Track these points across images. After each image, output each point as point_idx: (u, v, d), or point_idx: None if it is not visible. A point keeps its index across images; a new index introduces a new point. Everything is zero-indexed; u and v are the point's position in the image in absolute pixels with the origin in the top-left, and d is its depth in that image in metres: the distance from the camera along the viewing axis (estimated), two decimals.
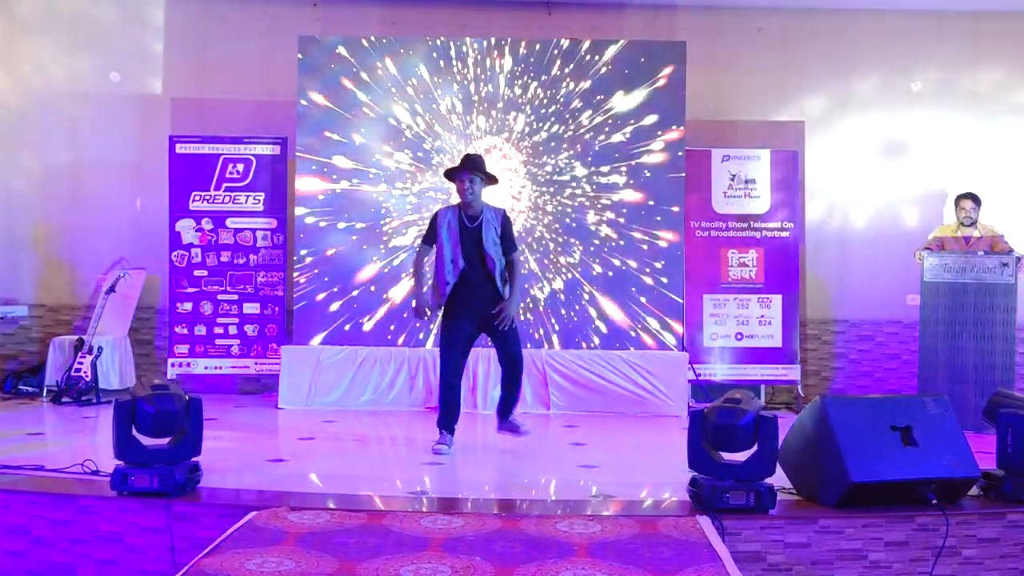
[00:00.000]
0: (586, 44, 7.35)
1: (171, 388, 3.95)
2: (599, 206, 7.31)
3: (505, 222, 5.30)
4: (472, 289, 5.20)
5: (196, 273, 7.50)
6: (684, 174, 7.30)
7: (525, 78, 7.32)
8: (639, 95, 7.29)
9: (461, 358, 5.29)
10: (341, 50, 7.30)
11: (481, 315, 5.21)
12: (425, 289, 5.49)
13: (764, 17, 8.01)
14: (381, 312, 7.23)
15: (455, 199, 5.44)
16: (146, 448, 3.86)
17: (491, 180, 5.35)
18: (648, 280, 7.26)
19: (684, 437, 3.92)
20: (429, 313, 5.34)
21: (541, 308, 7.24)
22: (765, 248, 7.39)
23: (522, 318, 7.18)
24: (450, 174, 5.38)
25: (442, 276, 5.22)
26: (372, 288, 7.25)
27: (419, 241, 5.57)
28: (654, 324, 7.22)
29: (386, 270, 7.26)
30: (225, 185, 7.51)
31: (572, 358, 7.04)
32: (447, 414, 5.28)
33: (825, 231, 7.94)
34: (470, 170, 5.23)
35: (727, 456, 3.84)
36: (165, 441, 3.92)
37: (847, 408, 3.96)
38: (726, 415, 3.78)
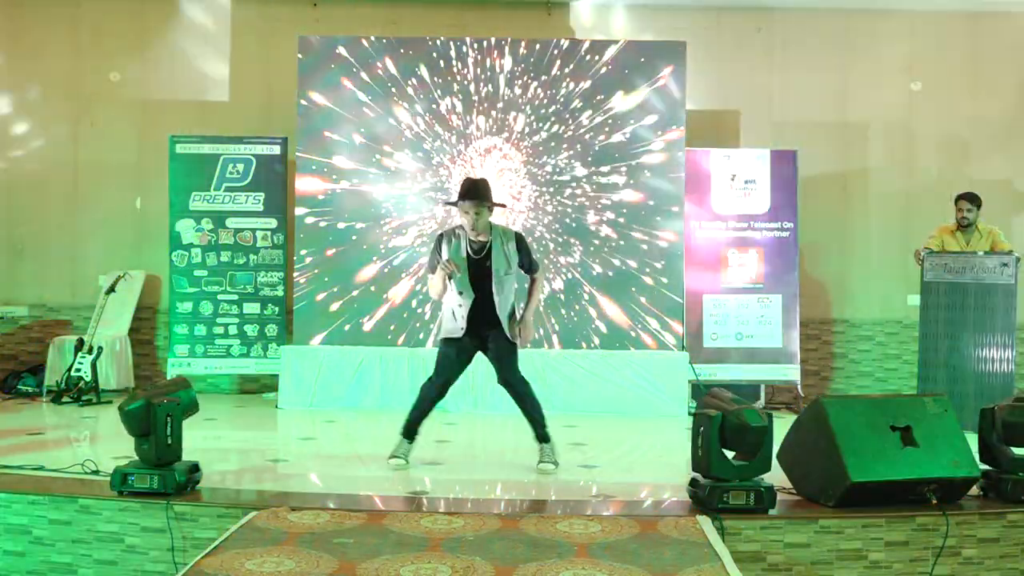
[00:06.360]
0: (586, 44, 7.35)
1: (152, 388, 3.94)
2: (599, 206, 7.31)
3: (520, 243, 4.89)
4: (479, 320, 4.81)
5: (196, 273, 7.50)
6: (684, 174, 7.30)
7: (525, 78, 7.32)
8: (639, 95, 7.29)
9: (453, 378, 4.93)
10: (341, 50, 7.30)
11: (478, 337, 4.86)
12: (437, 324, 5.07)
13: (764, 17, 8.02)
14: (381, 312, 7.22)
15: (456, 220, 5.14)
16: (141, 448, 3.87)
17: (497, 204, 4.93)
18: (648, 280, 7.26)
19: (684, 437, 3.92)
20: (452, 266, 4.74)
21: (541, 308, 7.24)
22: (765, 248, 7.38)
23: None
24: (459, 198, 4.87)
25: (453, 307, 4.84)
26: (372, 288, 7.25)
27: (425, 271, 5.15)
28: (654, 324, 7.22)
29: (386, 270, 7.25)
30: (225, 185, 7.51)
31: (572, 358, 7.04)
32: (415, 424, 4.91)
33: (825, 231, 7.94)
34: (476, 199, 4.72)
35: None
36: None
37: (847, 408, 3.96)
38: (743, 417, 3.76)
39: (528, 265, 4.93)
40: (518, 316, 4.93)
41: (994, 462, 4.05)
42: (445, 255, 4.81)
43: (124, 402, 3.91)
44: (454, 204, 4.89)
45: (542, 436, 4.91)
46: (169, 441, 3.88)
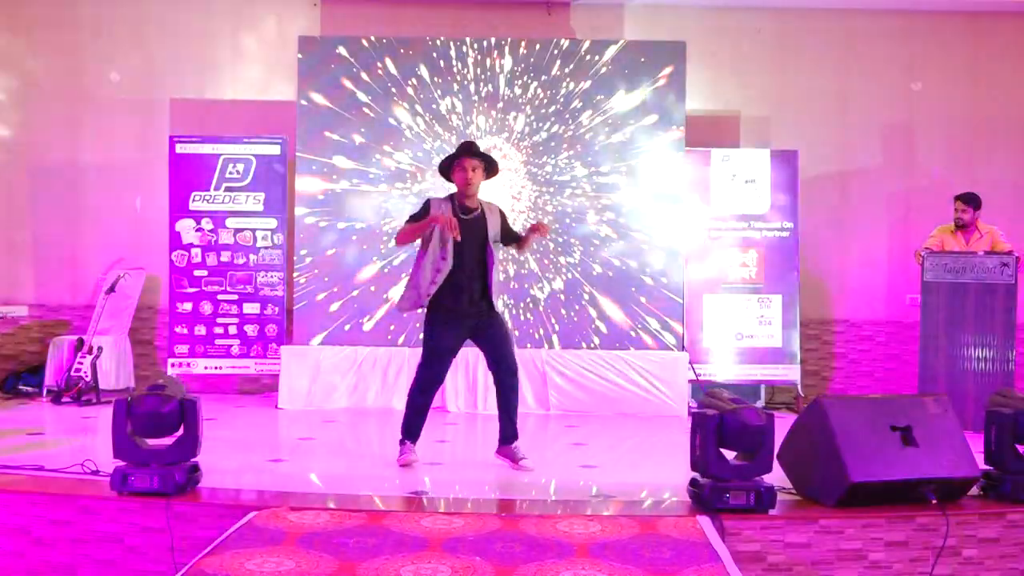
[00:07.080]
0: (586, 44, 7.35)
1: (168, 388, 3.93)
2: (599, 206, 7.31)
3: (504, 216, 4.90)
4: (459, 292, 4.70)
5: (196, 273, 7.50)
6: (684, 174, 7.30)
7: (525, 78, 7.32)
8: (639, 95, 7.29)
9: (443, 370, 4.86)
10: (341, 50, 7.30)
11: (468, 322, 4.76)
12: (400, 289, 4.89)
13: (764, 17, 8.02)
14: (381, 312, 7.22)
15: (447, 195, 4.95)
16: (143, 448, 3.85)
17: (491, 169, 4.85)
18: (648, 280, 7.26)
19: (684, 437, 3.92)
20: (453, 229, 4.55)
21: (541, 308, 7.24)
22: (765, 248, 7.38)
23: (522, 318, 7.18)
24: (447, 163, 4.83)
25: (424, 276, 4.70)
26: (372, 288, 7.25)
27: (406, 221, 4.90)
28: (654, 324, 7.22)
29: (386, 270, 7.25)
30: (225, 185, 7.51)
31: (572, 358, 7.03)
32: (414, 427, 4.86)
33: (825, 231, 7.94)
34: (472, 155, 4.73)
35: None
36: (164, 441, 3.91)
37: (847, 408, 3.96)
38: (742, 416, 3.76)
39: (513, 234, 4.88)
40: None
41: (1001, 462, 4.02)
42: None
43: (136, 403, 3.84)
44: (448, 165, 4.80)
45: (515, 433, 4.88)
46: (200, 438, 3.93)
